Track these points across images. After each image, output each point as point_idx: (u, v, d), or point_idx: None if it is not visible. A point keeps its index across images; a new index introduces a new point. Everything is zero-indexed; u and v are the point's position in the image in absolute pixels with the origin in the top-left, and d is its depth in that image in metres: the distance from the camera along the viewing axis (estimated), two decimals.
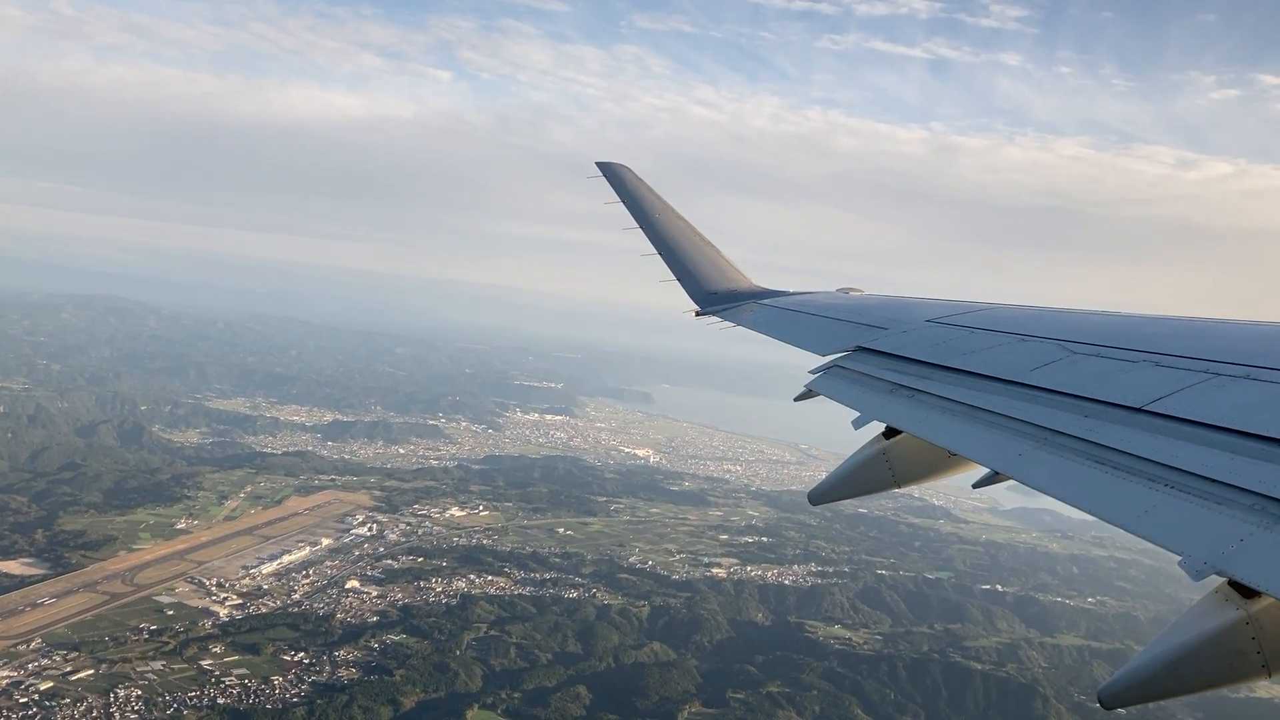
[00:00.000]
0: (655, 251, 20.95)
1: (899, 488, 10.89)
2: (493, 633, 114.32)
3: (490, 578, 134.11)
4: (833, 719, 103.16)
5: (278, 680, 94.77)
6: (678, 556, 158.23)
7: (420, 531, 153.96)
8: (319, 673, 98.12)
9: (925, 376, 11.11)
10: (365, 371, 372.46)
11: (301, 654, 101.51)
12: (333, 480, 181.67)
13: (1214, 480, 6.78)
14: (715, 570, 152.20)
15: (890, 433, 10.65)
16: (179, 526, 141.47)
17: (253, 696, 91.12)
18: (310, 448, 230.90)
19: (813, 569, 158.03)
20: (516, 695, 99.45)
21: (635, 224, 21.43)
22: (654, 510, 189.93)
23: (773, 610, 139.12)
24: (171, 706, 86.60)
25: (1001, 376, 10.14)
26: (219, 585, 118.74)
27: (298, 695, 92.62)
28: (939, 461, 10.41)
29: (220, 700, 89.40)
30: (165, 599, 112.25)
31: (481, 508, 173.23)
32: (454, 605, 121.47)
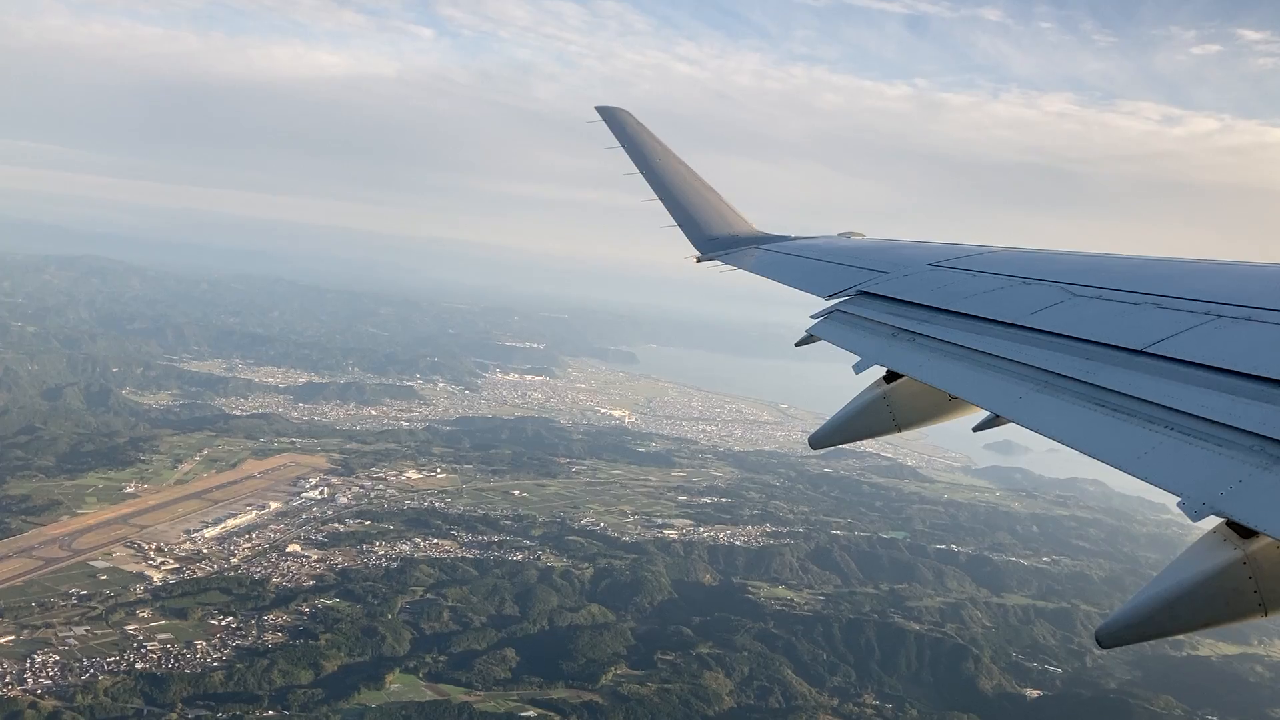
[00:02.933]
0: (655, 197, 20.68)
1: (900, 431, 10.98)
2: (429, 596, 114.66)
3: (436, 541, 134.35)
4: (761, 679, 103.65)
5: (201, 644, 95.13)
6: (631, 518, 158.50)
7: (373, 495, 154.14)
8: (244, 637, 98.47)
9: (926, 320, 11.14)
10: (347, 332, 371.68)
11: (230, 618, 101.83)
12: (292, 443, 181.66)
13: (1214, 422, 6.85)
14: (667, 532, 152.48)
15: (891, 376, 10.76)
16: (128, 490, 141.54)
17: (173, 661, 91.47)
18: (280, 410, 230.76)
19: (767, 530, 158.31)
20: (442, 659, 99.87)
21: (635, 169, 21.18)
22: (616, 472, 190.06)
23: (721, 571, 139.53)
24: (88, 672, 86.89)
25: (1002, 319, 10.17)
26: (157, 550, 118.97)
27: (219, 660, 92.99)
28: (940, 405, 10.55)
29: (139, 665, 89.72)
30: (100, 564, 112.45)
31: (439, 470, 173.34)
32: (394, 569, 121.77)
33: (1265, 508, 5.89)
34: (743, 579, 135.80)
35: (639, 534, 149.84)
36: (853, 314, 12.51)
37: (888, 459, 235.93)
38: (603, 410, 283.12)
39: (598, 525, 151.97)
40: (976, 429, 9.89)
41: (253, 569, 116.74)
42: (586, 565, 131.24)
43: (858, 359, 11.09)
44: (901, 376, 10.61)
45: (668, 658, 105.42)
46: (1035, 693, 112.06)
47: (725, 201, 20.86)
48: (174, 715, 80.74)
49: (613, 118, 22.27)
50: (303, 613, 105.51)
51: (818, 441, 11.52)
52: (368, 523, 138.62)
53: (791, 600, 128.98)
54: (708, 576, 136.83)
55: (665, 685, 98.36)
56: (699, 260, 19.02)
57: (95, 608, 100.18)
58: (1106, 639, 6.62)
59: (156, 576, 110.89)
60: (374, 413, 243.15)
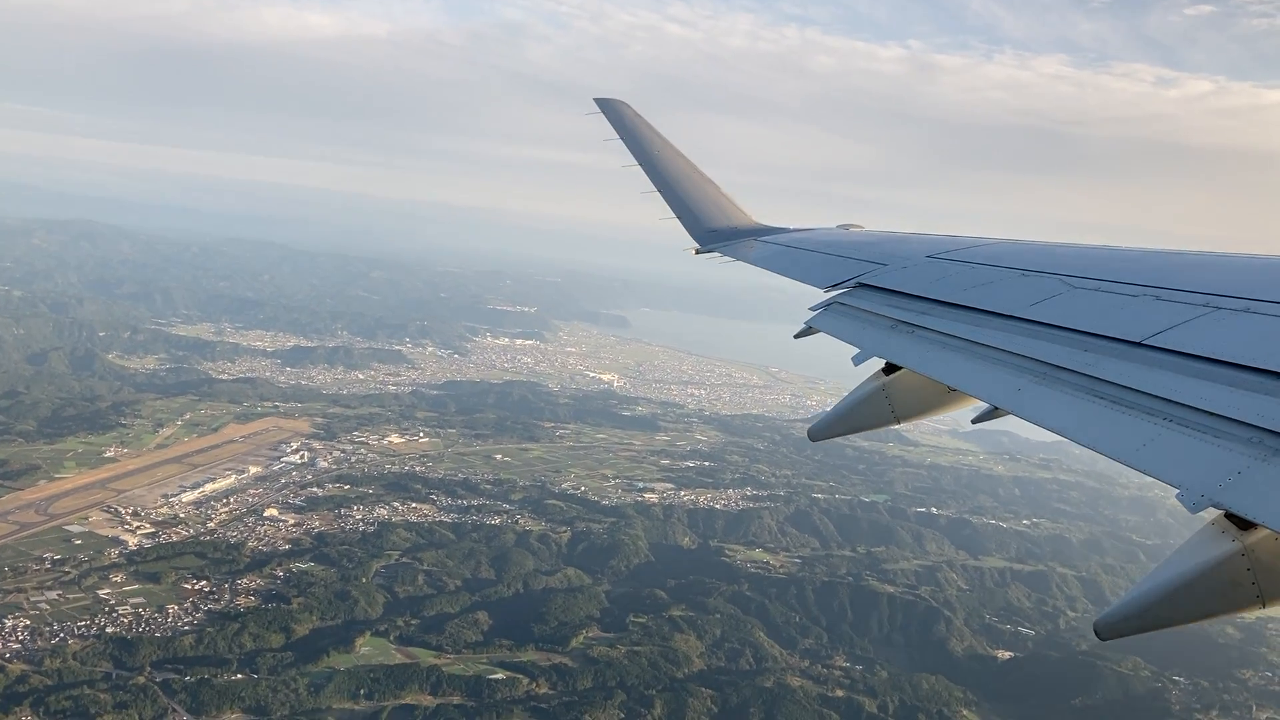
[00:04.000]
0: (654, 189, 20.77)
1: (899, 423, 11.05)
2: (404, 560, 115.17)
3: (414, 505, 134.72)
4: (733, 642, 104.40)
5: (173, 608, 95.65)
6: (612, 482, 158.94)
7: (354, 459, 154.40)
8: (216, 601, 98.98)
9: (925, 312, 11.19)
10: (337, 296, 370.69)
11: (203, 582, 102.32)
12: (275, 407, 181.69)
13: (1212, 414, 6.85)
14: (648, 495, 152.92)
15: (890, 368, 10.79)
16: (107, 455, 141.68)
17: (143, 625, 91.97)
18: (267, 374, 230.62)
19: (748, 493, 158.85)
20: (414, 622, 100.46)
21: (635, 161, 21.20)
22: (600, 436, 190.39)
23: (700, 535, 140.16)
24: (57, 636, 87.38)
25: (1001, 311, 10.21)
26: (134, 514, 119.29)
27: (190, 624, 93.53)
28: (939, 397, 10.57)
29: (109, 629, 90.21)
30: (76, 528, 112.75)
31: (422, 435, 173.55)
32: (370, 533, 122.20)
33: (1264, 500, 5.92)
34: (720, 542, 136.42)
35: (619, 498, 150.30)
36: (851, 306, 12.58)
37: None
38: (591, 374, 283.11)
39: (578, 489, 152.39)
40: (975, 421, 9.65)
41: (229, 533, 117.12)
42: (564, 529, 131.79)
43: (856, 350, 11.20)
44: (900, 368, 10.67)
45: (640, 620, 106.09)
46: (1006, 654, 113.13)
47: (724, 194, 20.98)
48: (142, 678, 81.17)
49: (611, 109, 22.31)
50: (276, 577, 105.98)
51: (816, 434, 11.59)
52: (347, 487, 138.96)
53: (767, 563, 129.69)
54: (686, 540, 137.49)
55: (635, 648, 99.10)
56: (698, 252, 19.09)
57: (68, 572, 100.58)
58: (1105, 631, 6.64)
59: (132, 541, 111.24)
60: (361, 377, 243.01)
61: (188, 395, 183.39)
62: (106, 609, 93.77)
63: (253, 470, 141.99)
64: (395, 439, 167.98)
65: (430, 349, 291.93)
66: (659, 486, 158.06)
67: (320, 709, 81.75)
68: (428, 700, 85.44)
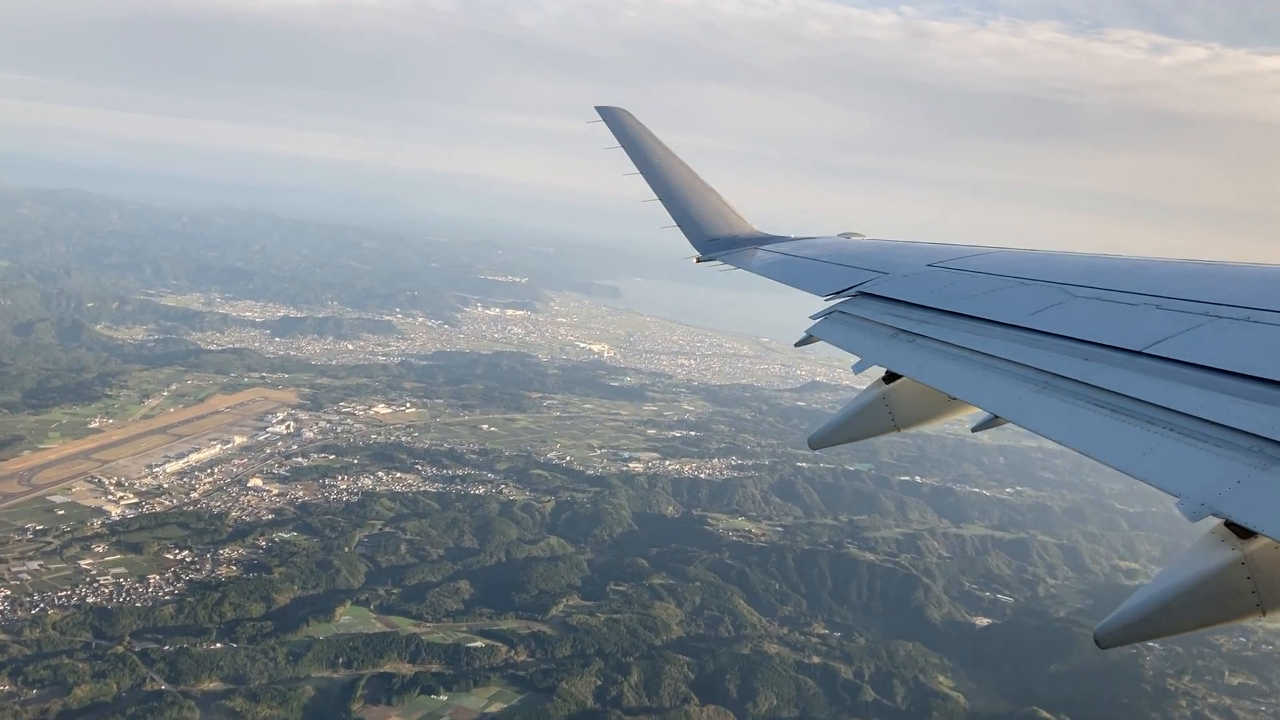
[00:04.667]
0: (655, 197, 20.93)
1: (899, 431, 11.15)
2: (387, 530, 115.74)
3: (399, 475, 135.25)
4: (712, 609, 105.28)
5: (154, 579, 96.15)
6: (598, 452, 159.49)
7: (339, 429, 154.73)
8: (198, 571, 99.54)
9: (926, 321, 11.25)
10: (327, 266, 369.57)
11: (185, 553, 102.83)
12: (263, 378, 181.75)
13: (1212, 422, 6.90)
14: (633, 465, 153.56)
15: (891, 377, 10.86)
16: (92, 425, 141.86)
17: (124, 595, 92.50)
18: (256, 345, 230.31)
19: (732, 462, 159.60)
20: (395, 591, 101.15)
21: (636, 169, 21.36)
22: (587, 406, 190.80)
23: (684, 504, 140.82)
24: (37, 606, 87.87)
25: (1002, 320, 10.29)
26: (117, 484, 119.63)
27: (171, 594, 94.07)
28: (939, 405, 10.71)
29: (90, 599, 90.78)
30: (59, 499, 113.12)
31: (409, 405, 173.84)
32: (354, 503, 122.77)
33: (1263, 509, 5.93)
34: (704, 511, 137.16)
35: (604, 467, 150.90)
36: (852, 314, 12.62)
37: (859, 391, 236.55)
38: (582, 345, 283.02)
39: (564, 459, 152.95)
40: (975, 429, 10.22)
41: (212, 503, 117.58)
42: (548, 498, 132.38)
43: (857, 358, 11.28)
44: (901, 377, 10.70)
45: (620, 589, 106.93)
46: (985, 621, 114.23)
47: (725, 202, 21.03)
48: (120, 648, 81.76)
49: (612, 117, 22.39)
50: (259, 546, 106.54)
51: (817, 442, 11.66)
52: (332, 457, 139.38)
53: (749, 532, 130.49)
54: (670, 509, 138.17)
55: (615, 616, 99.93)
56: (698, 261, 19.25)
57: (50, 543, 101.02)
58: (1105, 639, 6.66)
59: (115, 511, 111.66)
60: (350, 347, 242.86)
61: (174, 366, 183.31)
62: (88, 579, 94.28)
63: (238, 441, 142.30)
64: (382, 409, 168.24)
65: (420, 319, 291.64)
66: (645, 456, 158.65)
67: (298, 678, 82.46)
68: (406, 668, 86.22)
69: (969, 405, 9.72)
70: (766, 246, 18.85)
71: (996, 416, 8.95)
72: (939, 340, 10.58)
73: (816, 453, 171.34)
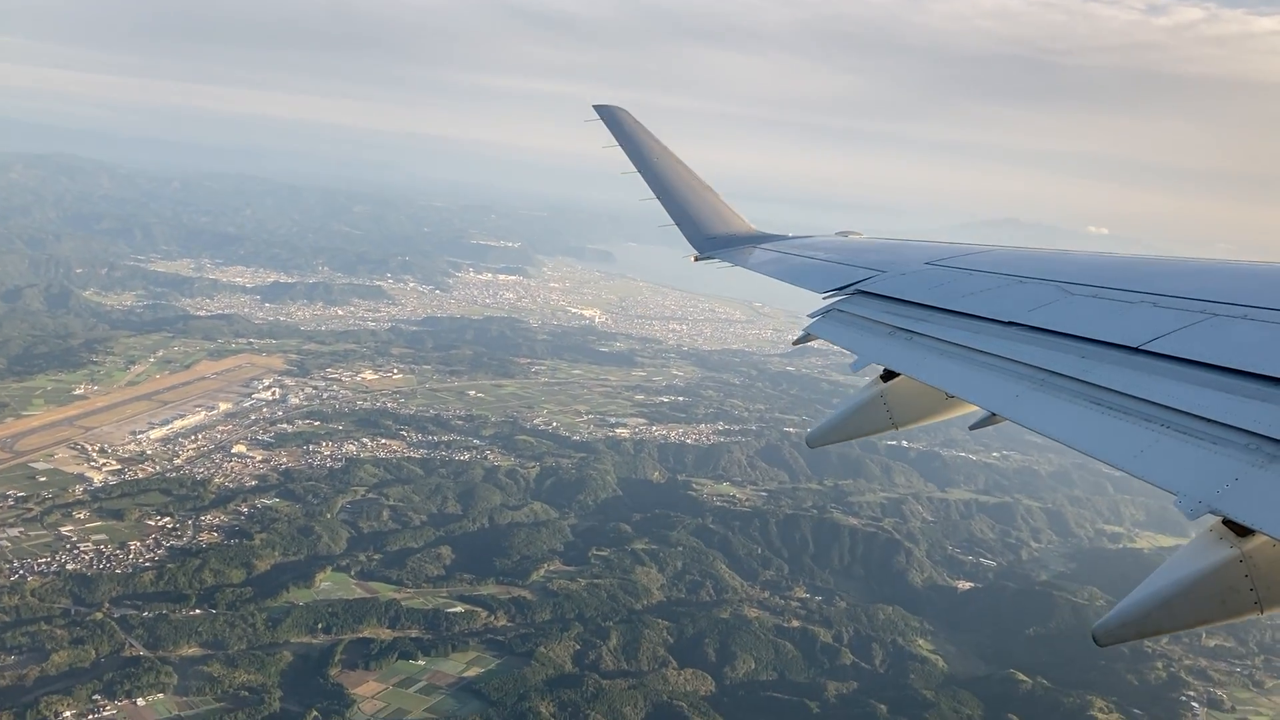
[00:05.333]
0: (653, 195, 21.03)
1: (897, 429, 11.14)
2: (370, 496, 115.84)
3: (384, 441, 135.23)
4: (694, 574, 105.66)
5: (135, 545, 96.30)
6: (585, 417, 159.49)
7: (325, 396, 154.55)
8: (179, 537, 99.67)
9: (923, 319, 11.29)
10: (319, 231, 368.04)
11: (166, 519, 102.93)
12: (250, 344, 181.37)
13: (1209, 420, 6.94)
14: (619, 431, 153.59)
15: (888, 375, 10.88)
16: (76, 392, 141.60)
17: (104, 561, 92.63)
18: (245, 310, 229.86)
19: (720, 428, 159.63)
20: (377, 557, 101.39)
21: (634, 168, 21.37)
22: (576, 372, 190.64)
23: (669, 469, 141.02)
24: (17, 573, 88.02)
25: (999, 318, 10.31)
26: (101, 451, 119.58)
27: (151, 560, 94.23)
28: (937, 403, 10.72)
29: (70, 566, 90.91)
30: (41, 465, 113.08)
31: (396, 371, 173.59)
32: (337, 469, 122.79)
33: (1261, 506, 5.95)
34: (689, 476, 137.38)
35: (590, 433, 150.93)
36: (850, 313, 12.61)
37: (849, 354, 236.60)
38: (573, 310, 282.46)
39: (550, 425, 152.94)
40: (973, 427, 10.06)
41: (195, 470, 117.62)
42: (533, 464, 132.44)
43: (855, 357, 11.30)
44: (899, 375, 10.69)
45: (602, 554, 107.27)
46: (966, 585, 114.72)
47: (722, 201, 21.09)
48: (99, 614, 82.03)
49: (610, 116, 22.30)
50: (241, 513, 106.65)
51: (815, 440, 11.66)
52: (316, 423, 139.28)
53: (734, 497, 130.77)
54: (656, 474, 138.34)
55: (596, 581, 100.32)
56: (696, 259, 19.32)
57: (31, 509, 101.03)
58: (1104, 637, 6.66)
59: (97, 478, 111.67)
60: (340, 313, 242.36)
61: (162, 332, 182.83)
62: (68, 546, 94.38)
63: (223, 407, 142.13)
64: (369, 375, 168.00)
65: (412, 285, 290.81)
66: (631, 422, 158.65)
67: (277, 643, 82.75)
68: (385, 634, 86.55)
69: (967, 403, 9.77)
70: (764, 245, 18.94)
71: (994, 414, 8.93)
72: (937, 338, 10.61)
73: (804, 417, 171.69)
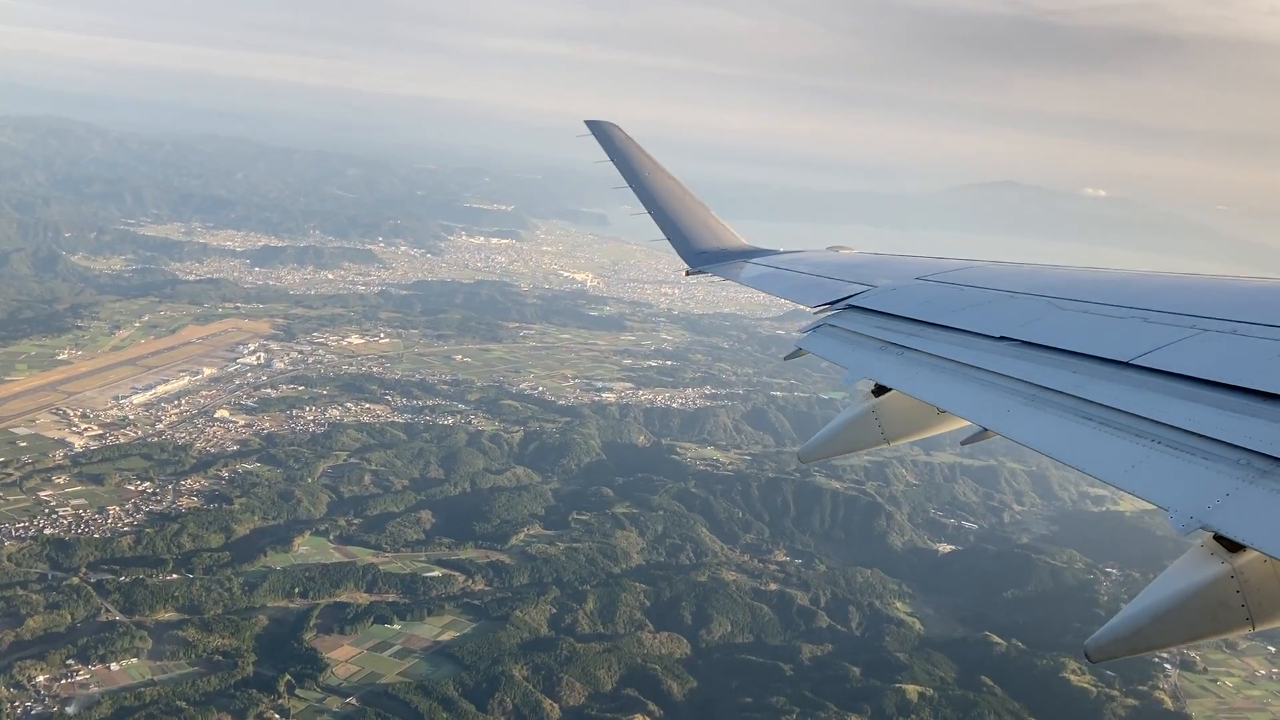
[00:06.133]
0: (645, 210, 21.10)
1: (889, 444, 11.22)
2: (352, 460, 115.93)
3: (368, 405, 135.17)
4: (674, 538, 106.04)
5: (114, 510, 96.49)
6: (571, 382, 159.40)
7: (311, 360, 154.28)
8: (159, 502, 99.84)
9: (914, 334, 11.33)
10: (311, 194, 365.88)
11: (146, 484, 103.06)
12: (237, 308, 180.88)
13: (1200, 435, 6.95)
14: (605, 395, 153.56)
15: (880, 390, 10.92)
16: (60, 357, 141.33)
17: (83, 526, 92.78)
18: (235, 274, 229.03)
19: (706, 392, 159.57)
20: (356, 521, 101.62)
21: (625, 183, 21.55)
22: (564, 336, 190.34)
23: (655, 433, 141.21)
24: None
25: (990, 333, 10.35)
26: (82, 416, 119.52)
27: (130, 525, 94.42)
28: (928, 418, 10.77)
29: (48, 530, 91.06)
30: (22, 431, 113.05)
31: (383, 335, 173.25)
32: (320, 434, 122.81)
33: (1252, 521, 5.98)
34: (674, 440, 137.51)
35: (576, 397, 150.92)
36: (841, 328, 12.64)
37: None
38: (565, 274, 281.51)
39: (536, 389, 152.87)
40: (965, 442, 10.09)
41: (177, 434, 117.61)
42: (517, 429, 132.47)
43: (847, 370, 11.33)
44: (890, 389, 10.74)
45: (583, 518, 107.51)
46: (948, 548, 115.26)
47: (714, 215, 21.22)
48: (76, 579, 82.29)
49: (601, 131, 22.52)
50: (221, 477, 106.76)
51: (807, 455, 11.77)
52: (301, 388, 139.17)
53: (717, 460, 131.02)
54: (641, 438, 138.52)
55: (575, 545, 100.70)
56: (688, 274, 19.48)
57: (10, 474, 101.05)
58: (1095, 653, 6.68)
59: (78, 443, 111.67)
60: (330, 277, 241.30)
61: (149, 297, 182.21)
62: (46, 510, 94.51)
63: (207, 372, 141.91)
64: (355, 340, 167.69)
65: (403, 248, 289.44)
66: (618, 386, 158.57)
67: (253, 607, 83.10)
68: (362, 598, 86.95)
69: (958, 418, 9.79)
70: (755, 260, 18.97)
71: (986, 429, 8.95)
72: (927, 353, 10.62)
73: (791, 381, 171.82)
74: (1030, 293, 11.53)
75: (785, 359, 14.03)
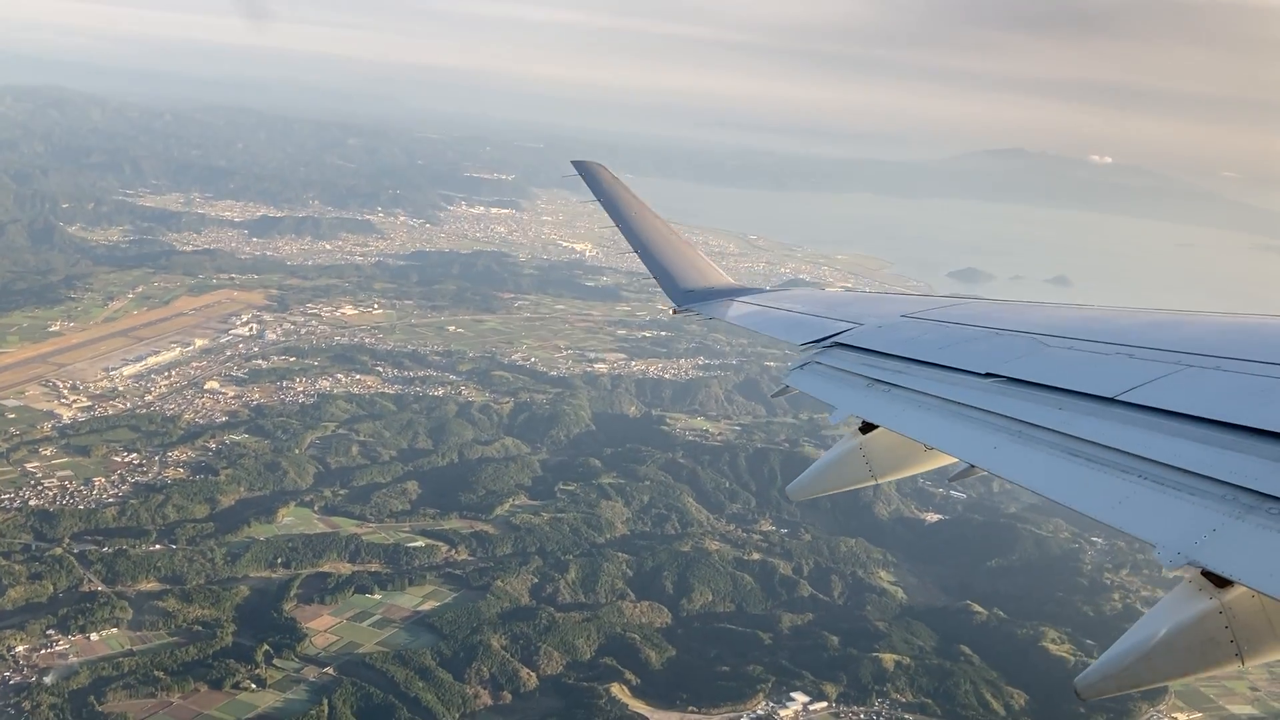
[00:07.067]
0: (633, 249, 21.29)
1: (877, 481, 11.22)
2: (340, 431, 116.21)
3: (359, 376, 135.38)
4: (660, 508, 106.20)
5: (99, 481, 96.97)
6: (564, 353, 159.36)
7: (303, 331, 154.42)
8: (145, 473, 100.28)
9: (901, 371, 11.36)
10: (311, 164, 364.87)
11: (133, 455, 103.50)
12: (231, 279, 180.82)
13: (1186, 470, 7.00)
14: (598, 366, 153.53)
15: (867, 427, 10.95)
16: (52, 329, 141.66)
17: (68, 498, 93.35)
18: (232, 245, 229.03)
19: (699, 362, 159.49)
20: (342, 492, 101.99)
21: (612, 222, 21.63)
22: (559, 307, 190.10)
23: (646, 404, 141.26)
24: None
25: (976, 370, 10.36)
26: (71, 388, 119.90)
27: (115, 496, 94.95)
28: (916, 455, 10.79)
29: (33, 502, 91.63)
30: (11, 403, 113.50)
31: (377, 306, 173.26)
32: (309, 405, 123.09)
33: (1239, 557, 6.01)
34: (664, 411, 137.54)
35: (568, 368, 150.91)
36: (828, 365, 12.64)
37: (842, 289, 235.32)
38: (564, 244, 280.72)
39: (528, 360, 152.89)
40: (953, 479, 9.94)
41: (166, 406, 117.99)
42: (508, 400, 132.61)
43: (835, 408, 11.37)
44: (877, 426, 10.76)
45: (569, 488, 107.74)
46: (935, 517, 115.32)
47: (700, 254, 21.39)
48: (59, 550, 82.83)
49: (588, 172, 22.76)
50: (209, 449, 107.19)
51: (796, 493, 11.82)
52: (292, 359, 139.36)
53: (707, 431, 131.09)
54: (632, 409, 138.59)
55: (559, 515, 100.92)
56: (675, 312, 19.57)
57: None
58: (1086, 691, 6.69)
59: (66, 415, 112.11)
60: (328, 247, 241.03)
61: (143, 268, 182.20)
62: (32, 482, 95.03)
63: (198, 343, 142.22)
64: (349, 310, 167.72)
65: (402, 218, 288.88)
66: (610, 357, 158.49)
67: (235, 578, 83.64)
68: (345, 568, 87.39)
69: (946, 454, 9.81)
70: (741, 298, 19.04)
71: (974, 465, 8.92)
72: (914, 390, 10.65)
73: (786, 350, 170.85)
74: (1016, 329, 11.57)
75: (773, 397, 14.01)
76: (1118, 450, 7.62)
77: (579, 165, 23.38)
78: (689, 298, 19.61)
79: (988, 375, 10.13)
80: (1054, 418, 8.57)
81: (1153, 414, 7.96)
